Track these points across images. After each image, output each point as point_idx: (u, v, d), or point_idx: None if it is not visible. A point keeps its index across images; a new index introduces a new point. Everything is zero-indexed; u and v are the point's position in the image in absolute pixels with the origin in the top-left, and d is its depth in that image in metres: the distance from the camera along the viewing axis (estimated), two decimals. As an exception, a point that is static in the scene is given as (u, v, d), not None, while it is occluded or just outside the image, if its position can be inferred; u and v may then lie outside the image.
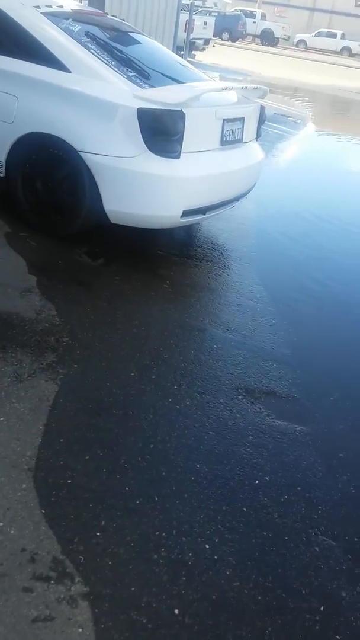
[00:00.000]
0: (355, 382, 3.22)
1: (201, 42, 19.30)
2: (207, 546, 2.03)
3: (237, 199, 4.61)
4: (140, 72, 4.13)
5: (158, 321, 3.40)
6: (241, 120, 4.38)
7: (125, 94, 3.76)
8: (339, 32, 39.72)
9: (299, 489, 2.38)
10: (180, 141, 3.77)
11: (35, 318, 3.07)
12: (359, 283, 4.63)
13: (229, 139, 4.26)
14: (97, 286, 3.62)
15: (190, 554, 1.99)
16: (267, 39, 37.86)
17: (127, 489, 2.19)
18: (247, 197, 4.81)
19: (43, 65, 3.93)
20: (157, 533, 2.04)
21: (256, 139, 4.89)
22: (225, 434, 2.60)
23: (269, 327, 3.59)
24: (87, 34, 4.22)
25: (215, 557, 2.00)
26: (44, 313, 3.17)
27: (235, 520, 2.16)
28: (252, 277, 4.24)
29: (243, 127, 4.43)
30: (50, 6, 4.36)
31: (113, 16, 5.88)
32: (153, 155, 3.72)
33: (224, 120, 4.13)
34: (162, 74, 4.35)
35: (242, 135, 4.45)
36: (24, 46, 4.02)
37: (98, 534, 1.98)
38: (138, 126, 3.67)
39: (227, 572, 1.95)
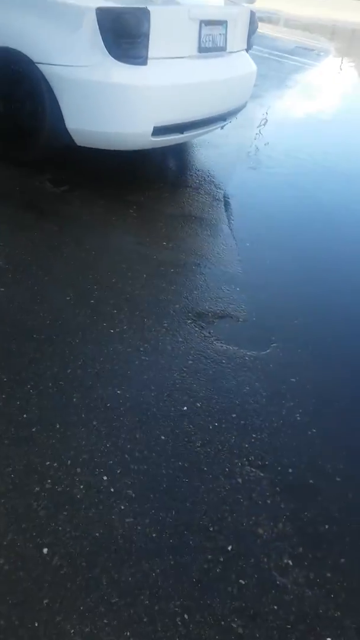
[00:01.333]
0: (323, 308, 2.82)
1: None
2: (104, 477, 1.74)
3: (223, 117, 4.15)
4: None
5: (112, 246, 3.07)
6: (223, 24, 3.89)
7: (82, -5, 3.34)
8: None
9: (233, 415, 2.05)
10: (145, 45, 3.34)
11: (-34, 241, 2.80)
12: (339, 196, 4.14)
13: (209, 46, 3.80)
14: (52, 211, 3.29)
15: (82, 487, 1.70)
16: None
17: (24, 416, 1.91)
18: (245, 122, 4.35)
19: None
20: (47, 463, 1.76)
21: (247, 50, 4.39)
22: (160, 359, 2.28)
23: (241, 252, 3.21)
24: None
25: (112, 490, 1.71)
26: (-19, 237, 2.88)
27: (148, 450, 1.86)
28: (232, 205, 3.82)
29: (226, 32, 3.94)
30: None
31: None
32: (115, 61, 3.31)
33: (200, 22, 3.65)
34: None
35: (226, 42, 3.97)
36: None
37: (-28, 464, 1.71)
38: (98, 29, 3.26)
39: (122, 507, 1.66)
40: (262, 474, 1.83)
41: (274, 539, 1.63)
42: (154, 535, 1.59)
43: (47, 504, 1.63)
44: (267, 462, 1.87)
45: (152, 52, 3.35)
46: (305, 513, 1.72)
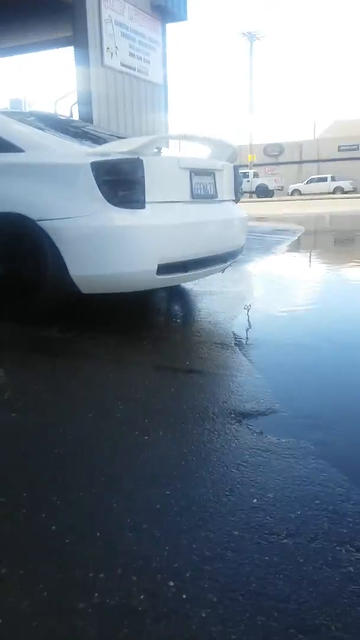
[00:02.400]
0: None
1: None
2: (171, 583, 1.27)
3: (223, 259, 4.17)
4: (95, 140, 3.98)
5: (131, 370, 2.80)
6: (211, 174, 4.10)
7: (77, 154, 3.53)
8: (329, 176, 42.40)
9: (317, 502, 1.61)
10: (142, 190, 3.42)
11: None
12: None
13: (201, 193, 3.94)
14: (61, 351, 3.08)
15: (142, 597, 1.23)
16: (262, 192, 40.49)
17: (53, 528, 1.48)
18: (241, 276, 4.38)
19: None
20: (91, 575, 1.30)
21: (236, 202, 4.59)
22: (210, 457, 1.89)
23: (260, 366, 2.93)
24: (42, 121, 4.15)
25: (184, 597, 1.23)
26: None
27: (220, 547, 1.40)
28: (242, 335, 3.65)
29: (215, 182, 4.14)
30: (6, 108, 4.38)
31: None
32: (114, 207, 3.36)
33: (190, 172, 3.83)
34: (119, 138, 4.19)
35: (216, 191, 4.14)
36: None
37: (-9, 582, 1.25)
38: (94, 181, 3.37)
39: (203, 615, 1.18)
40: (377, 560, 1.36)
41: None
42: (256, 645, 1.10)
43: (99, 621, 1.15)
44: (378, 547, 1.41)
45: (149, 197, 3.43)
46: None
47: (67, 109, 9.34)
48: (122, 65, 8.67)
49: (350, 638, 1.12)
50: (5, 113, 4.16)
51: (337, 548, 1.40)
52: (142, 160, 3.39)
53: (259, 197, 39.76)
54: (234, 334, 3.48)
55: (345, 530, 1.48)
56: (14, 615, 1.17)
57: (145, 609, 1.19)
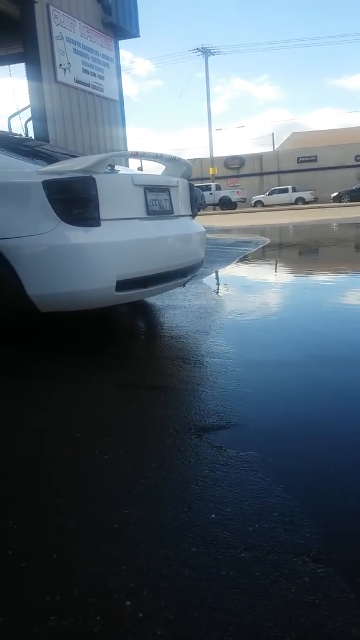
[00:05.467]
0: (330, 418, 2.54)
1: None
2: (127, 603, 1.27)
3: (183, 273, 4.20)
4: (47, 159, 3.98)
5: (92, 386, 2.80)
6: (166, 191, 4.13)
7: (28, 173, 3.51)
8: (290, 187, 43.18)
9: (274, 514, 1.63)
10: (96, 208, 3.43)
11: None
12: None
13: (157, 209, 3.96)
14: (19, 370, 3.06)
15: (98, 618, 1.22)
16: (226, 204, 40.96)
17: (10, 552, 1.46)
18: (203, 290, 4.41)
19: None
20: (47, 598, 1.29)
21: (192, 217, 4.63)
22: (169, 474, 1.90)
23: (231, 381, 2.96)
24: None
25: (140, 615, 1.23)
26: None
27: (178, 565, 1.41)
28: (207, 344, 3.68)
29: (170, 198, 4.17)
30: None
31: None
32: (69, 225, 3.36)
33: (145, 188, 3.86)
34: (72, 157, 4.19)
35: (172, 207, 4.17)
36: None
37: None
38: (47, 199, 3.37)
39: (158, 632, 1.18)
40: (332, 570, 1.38)
41: (378, 638, 1.16)
42: (212, 662, 1.10)
43: (53, 645, 1.14)
44: (334, 556, 1.43)
45: (103, 214, 3.43)
46: None
47: (22, 125, 9.29)
48: (76, 81, 8.69)
49: (304, 648, 1.13)
50: None
51: (294, 559, 1.42)
52: (94, 179, 3.39)
53: (222, 209, 40.20)
54: (196, 349, 3.50)
55: (301, 541, 1.50)
56: (-33, 646, 1.15)
57: (100, 631, 1.18)
